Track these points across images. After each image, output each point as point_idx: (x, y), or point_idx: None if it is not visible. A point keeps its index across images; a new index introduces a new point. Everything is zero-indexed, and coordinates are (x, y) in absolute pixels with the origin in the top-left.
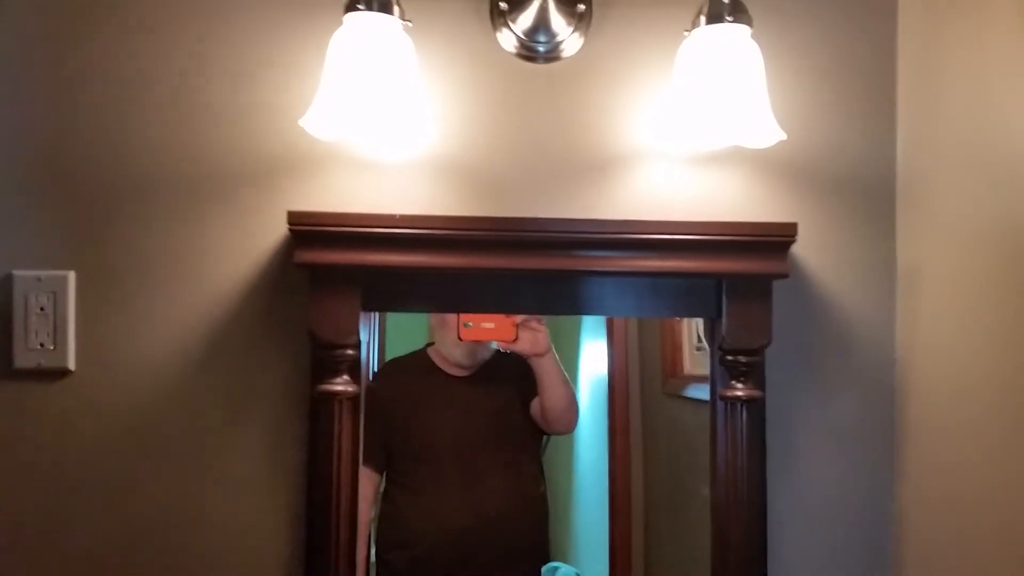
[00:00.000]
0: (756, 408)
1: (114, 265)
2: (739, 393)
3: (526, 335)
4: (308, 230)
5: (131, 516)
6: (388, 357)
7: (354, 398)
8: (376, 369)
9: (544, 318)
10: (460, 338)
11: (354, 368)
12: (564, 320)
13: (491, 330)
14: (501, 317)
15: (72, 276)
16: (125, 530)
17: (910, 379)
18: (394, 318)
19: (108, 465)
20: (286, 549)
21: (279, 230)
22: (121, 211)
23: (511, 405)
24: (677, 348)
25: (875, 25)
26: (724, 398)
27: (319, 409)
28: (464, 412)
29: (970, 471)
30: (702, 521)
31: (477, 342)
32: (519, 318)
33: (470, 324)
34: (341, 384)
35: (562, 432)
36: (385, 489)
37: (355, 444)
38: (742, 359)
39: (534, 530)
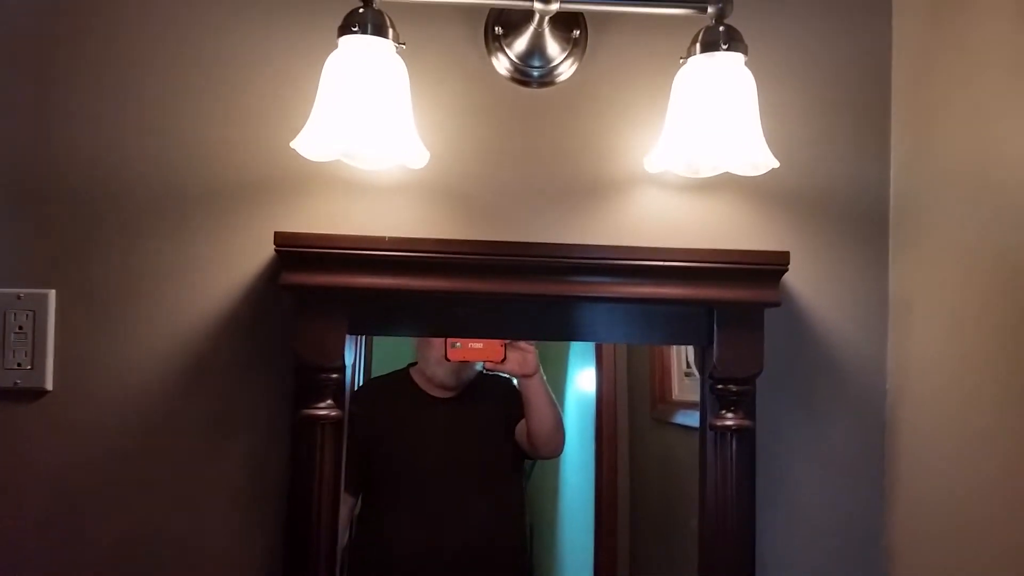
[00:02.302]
0: (746, 438)
1: (96, 284)
2: (729, 423)
3: (514, 355)
4: (295, 251)
5: (109, 539)
6: (374, 376)
7: (337, 423)
8: (356, 389)
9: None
10: (448, 358)
11: (338, 392)
12: (553, 344)
13: (479, 350)
14: None
15: (52, 295)
16: (103, 553)
17: (901, 409)
18: (381, 338)
19: (85, 487)
20: (266, 572)
21: (266, 251)
22: (104, 229)
23: (494, 428)
24: (666, 374)
25: (869, 53)
26: (714, 427)
27: (302, 433)
28: (445, 435)
29: (962, 501)
30: (689, 548)
31: (463, 362)
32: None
33: (458, 344)
34: (325, 408)
35: (548, 457)
36: (361, 512)
37: (337, 469)
38: (733, 388)
39: (516, 556)
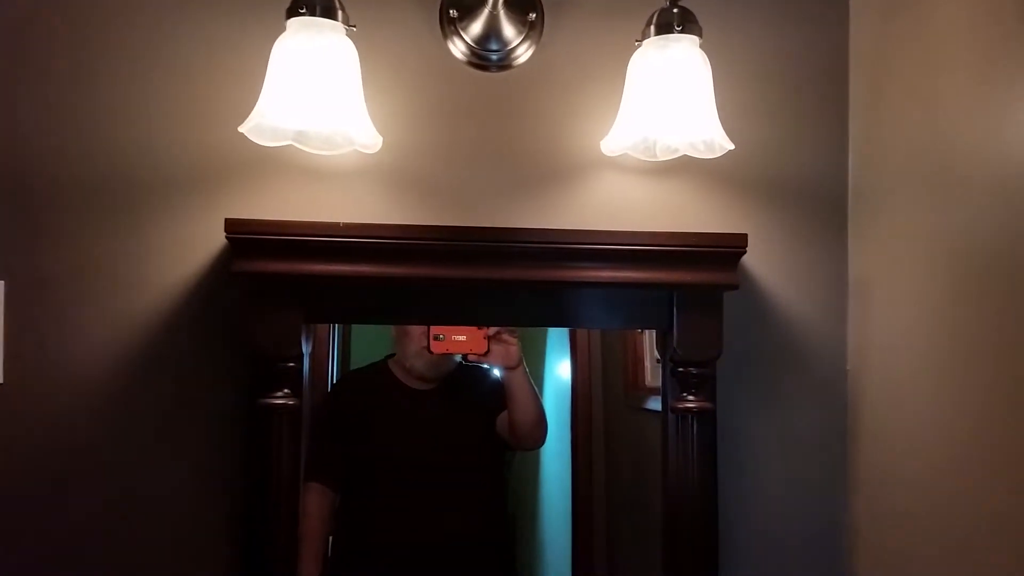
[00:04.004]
0: (707, 419)
1: (46, 274)
2: (690, 405)
3: (498, 348)
4: (246, 238)
5: (62, 531)
6: (353, 368)
7: (295, 411)
8: (334, 382)
9: (517, 331)
10: (431, 351)
11: (296, 381)
12: (529, 335)
13: (463, 343)
14: (472, 329)
15: (1, 286)
16: (55, 545)
17: (861, 390)
18: (359, 327)
19: (37, 479)
20: (223, 565)
21: (218, 239)
22: (54, 218)
23: (475, 420)
24: (639, 361)
25: (827, 37)
26: (675, 410)
27: (258, 422)
28: (425, 427)
29: (922, 482)
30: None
31: (442, 354)
32: (491, 330)
33: (441, 337)
34: (281, 398)
35: (530, 448)
36: (343, 506)
37: (295, 459)
38: (693, 371)
39: (497, 546)
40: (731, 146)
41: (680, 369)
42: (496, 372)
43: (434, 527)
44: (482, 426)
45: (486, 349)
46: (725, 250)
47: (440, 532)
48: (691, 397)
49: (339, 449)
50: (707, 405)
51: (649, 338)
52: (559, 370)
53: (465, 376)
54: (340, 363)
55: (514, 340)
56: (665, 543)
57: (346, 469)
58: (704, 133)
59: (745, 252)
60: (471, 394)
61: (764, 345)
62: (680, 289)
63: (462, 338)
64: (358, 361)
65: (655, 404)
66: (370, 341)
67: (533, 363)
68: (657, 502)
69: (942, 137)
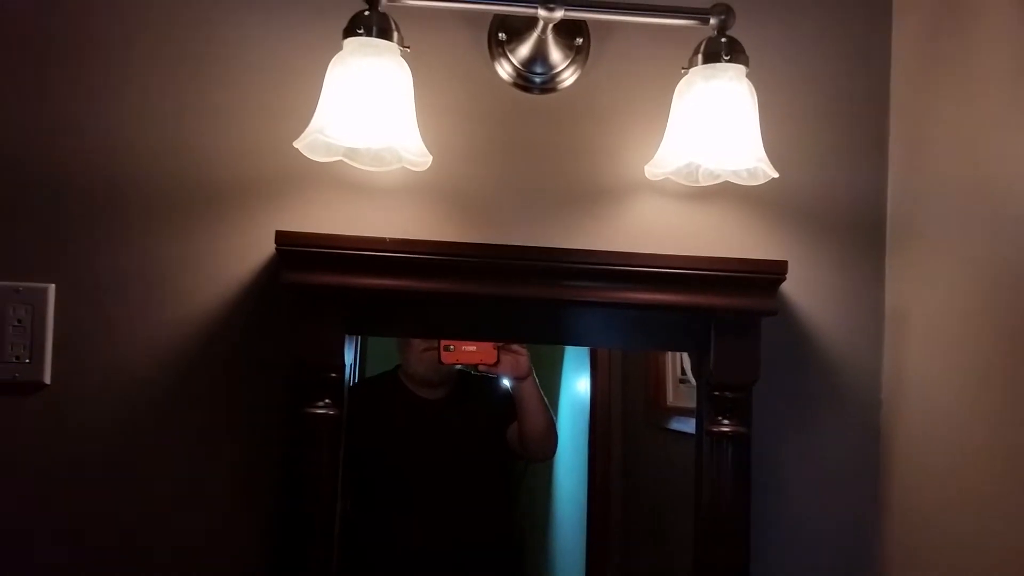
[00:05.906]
0: (742, 444)
1: (96, 279)
2: (725, 429)
3: (508, 358)
4: (296, 250)
5: (102, 536)
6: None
7: (336, 421)
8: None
9: None
10: (441, 361)
11: (337, 391)
12: (548, 349)
13: (472, 353)
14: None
15: (52, 289)
16: (96, 549)
17: (895, 419)
18: (376, 338)
19: (80, 482)
20: (263, 570)
21: (267, 249)
22: (105, 224)
23: (485, 430)
24: (660, 380)
25: (869, 68)
26: (710, 433)
27: (300, 431)
28: (434, 436)
29: (956, 511)
30: (681, 554)
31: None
32: None
33: (451, 347)
34: (323, 408)
35: (540, 459)
36: (349, 513)
37: (335, 468)
38: (729, 395)
39: (505, 559)
40: (775, 174)
41: (716, 393)
42: (506, 382)
43: (441, 536)
44: (492, 436)
45: (496, 359)
46: (765, 276)
47: (447, 541)
48: (726, 421)
49: (348, 456)
50: (742, 429)
51: (672, 358)
52: (578, 385)
53: (475, 386)
54: (359, 371)
55: (524, 351)
56: (696, 565)
57: (354, 476)
58: (748, 162)
59: (785, 279)
60: (481, 404)
61: (798, 371)
62: (718, 314)
63: (472, 348)
64: (374, 369)
65: (677, 424)
66: (385, 351)
67: (549, 377)
68: (677, 523)
69: (982, 166)
